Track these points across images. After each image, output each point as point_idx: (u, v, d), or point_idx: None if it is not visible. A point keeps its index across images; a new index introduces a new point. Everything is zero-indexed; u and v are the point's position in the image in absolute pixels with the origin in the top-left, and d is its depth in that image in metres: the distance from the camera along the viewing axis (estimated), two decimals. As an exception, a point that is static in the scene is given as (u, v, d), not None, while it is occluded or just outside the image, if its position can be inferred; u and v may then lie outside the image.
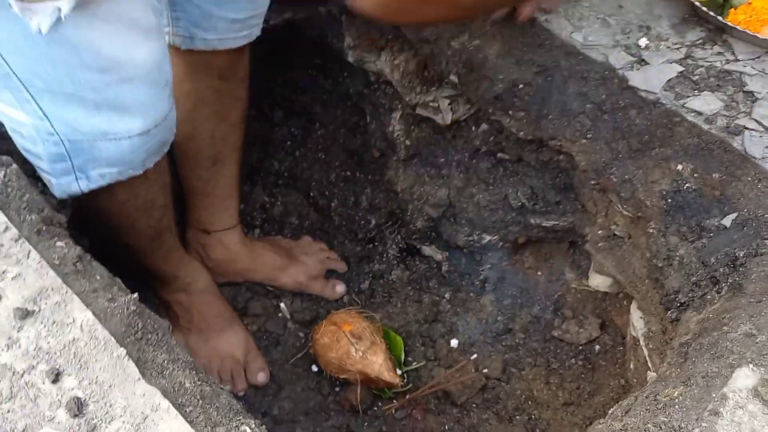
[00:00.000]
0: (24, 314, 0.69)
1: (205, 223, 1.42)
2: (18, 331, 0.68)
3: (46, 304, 0.70)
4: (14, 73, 0.81)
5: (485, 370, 1.37)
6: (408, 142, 1.41)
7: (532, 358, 1.37)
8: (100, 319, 0.70)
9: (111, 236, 1.15)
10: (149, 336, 0.73)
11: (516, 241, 1.39)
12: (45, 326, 0.69)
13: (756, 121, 0.96)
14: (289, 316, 1.50)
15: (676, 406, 0.73)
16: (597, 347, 1.32)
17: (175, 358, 0.73)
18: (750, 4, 1.09)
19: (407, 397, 1.36)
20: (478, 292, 1.47)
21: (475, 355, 1.37)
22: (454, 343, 1.44)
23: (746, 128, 0.95)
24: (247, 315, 1.48)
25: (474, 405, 1.36)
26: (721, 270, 0.93)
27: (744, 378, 0.72)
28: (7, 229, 0.75)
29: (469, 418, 1.34)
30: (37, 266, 0.73)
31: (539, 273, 1.41)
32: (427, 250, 1.52)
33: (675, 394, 0.75)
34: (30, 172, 0.95)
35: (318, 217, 1.63)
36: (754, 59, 1.03)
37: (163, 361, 0.71)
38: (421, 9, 0.80)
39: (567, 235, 1.31)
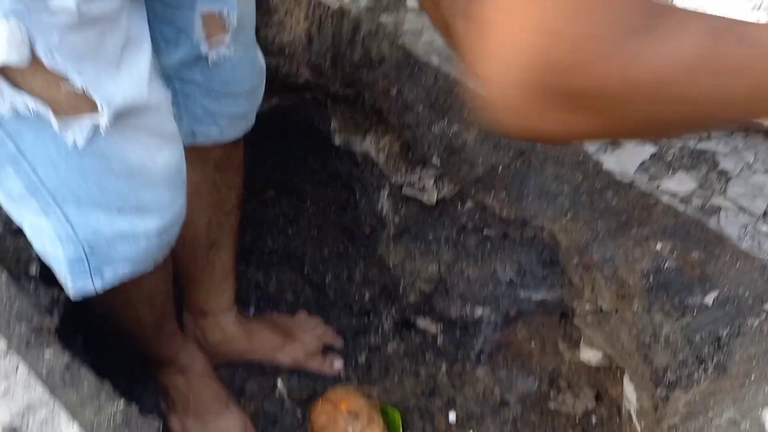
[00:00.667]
0: None
1: (202, 306, 1.44)
2: (5, 450, 0.69)
3: (33, 420, 0.71)
4: (44, 184, 0.84)
5: (482, 444, 1.37)
6: (397, 220, 1.44)
7: (530, 431, 1.36)
8: (87, 432, 0.71)
9: (111, 326, 1.17)
10: (137, 446, 0.74)
11: (508, 313, 1.40)
12: (32, 443, 0.70)
13: (731, 200, 0.98)
14: (286, 395, 1.50)
15: (662, 499, 0.73)
16: (594, 419, 1.32)
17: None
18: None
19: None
20: (474, 364, 1.48)
21: (471, 431, 1.37)
22: (452, 417, 1.44)
23: (721, 208, 0.97)
24: (244, 395, 1.48)
25: (474, 481, 1.35)
26: (705, 349, 0.93)
27: (728, 469, 0.72)
28: (-4, 342, 0.77)
29: (470, 495, 1.33)
30: (26, 380, 0.74)
31: (533, 344, 1.41)
32: (422, 322, 1.53)
33: (661, 486, 0.75)
34: (19, 272, 0.97)
35: (313, 293, 1.64)
36: (726, 137, 1.06)
37: (150, 472, 0.71)
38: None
39: (557, 307, 1.32)
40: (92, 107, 0.77)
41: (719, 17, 0.45)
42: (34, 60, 0.72)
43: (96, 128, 0.78)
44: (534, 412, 1.37)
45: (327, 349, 1.56)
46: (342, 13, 1.25)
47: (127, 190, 0.87)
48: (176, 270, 1.40)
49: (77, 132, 0.78)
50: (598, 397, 1.33)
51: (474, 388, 1.45)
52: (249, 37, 1.09)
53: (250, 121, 1.21)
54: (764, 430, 0.74)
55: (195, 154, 1.20)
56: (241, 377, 1.50)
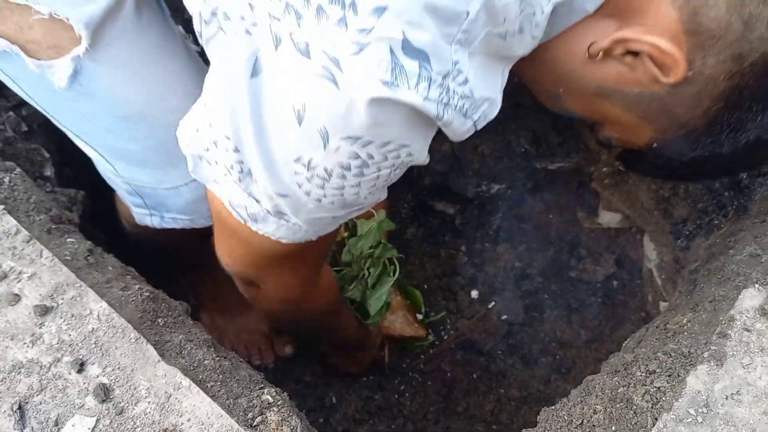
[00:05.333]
0: (44, 311, 0.72)
1: None
2: (40, 327, 0.71)
3: (63, 299, 0.73)
4: (63, 125, 0.83)
5: (507, 317, 1.39)
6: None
7: (552, 301, 1.38)
8: (116, 308, 0.72)
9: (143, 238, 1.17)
10: (165, 319, 0.76)
11: (525, 187, 1.39)
12: (64, 320, 0.72)
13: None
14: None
15: (685, 333, 0.74)
16: (615, 283, 1.33)
17: (193, 338, 0.75)
18: None
19: (431, 351, 1.39)
20: (494, 242, 1.48)
21: (493, 303, 1.39)
22: (474, 293, 1.46)
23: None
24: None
25: (499, 352, 1.38)
26: (726, 194, 0.92)
27: (750, 298, 0.72)
28: (18, 231, 0.77)
29: (496, 365, 1.37)
30: (51, 264, 0.75)
31: (551, 216, 1.41)
32: (439, 205, 1.53)
33: (684, 321, 0.76)
34: (34, 175, 0.97)
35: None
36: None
37: (181, 341, 0.73)
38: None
39: (574, 175, 1.31)
40: (72, 41, 0.74)
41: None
42: None
43: (78, 60, 0.75)
44: (555, 282, 1.39)
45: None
46: None
47: (140, 135, 0.82)
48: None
49: (61, 71, 0.75)
50: (618, 263, 1.33)
51: (494, 264, 1.46)
52: None
53: None
54: (787, 260, 0.74)
55: None
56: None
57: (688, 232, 0.97)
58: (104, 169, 0.90)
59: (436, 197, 1.52)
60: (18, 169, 0.86)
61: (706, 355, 0.69)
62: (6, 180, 0.84)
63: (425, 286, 1.48)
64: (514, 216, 1.44)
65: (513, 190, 1.40)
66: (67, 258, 0.78)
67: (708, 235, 0.92)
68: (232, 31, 0.56)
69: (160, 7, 0.84)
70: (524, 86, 1.16)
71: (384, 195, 0.67)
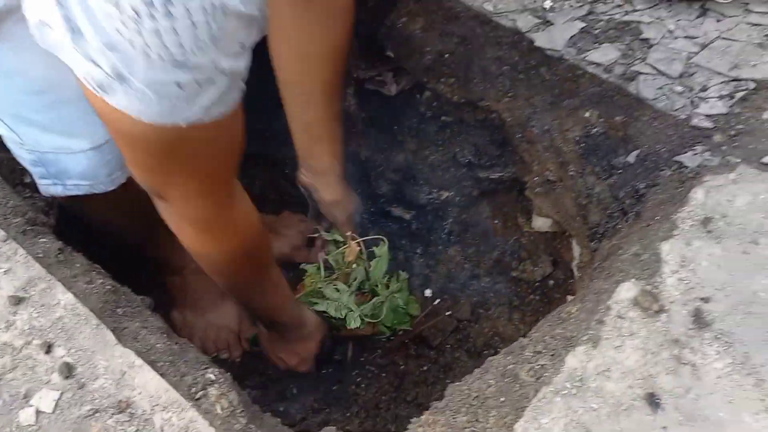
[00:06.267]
0: (17, 301, 0.83)
1: None
2: (13, 315, 0.83)
3: (35, 290, 0.84)
4: None
5: (455, 314, 1.51)
6: (363, 115, 1.53)
7: (496, 299, 1.50)
8: (80, 299, 0.84)
9: (106, 235, 1.27)
10: (125, 309, 0.87)
11: (471, 194, 1.51)
12: (35, 309, 0.83)
13: (650, 65, 1.06)
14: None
15: (572, 320, 0.86)
16: (551, 282, 1.45)
17: (148, 325, 0.87)
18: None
19: (387, 346, 1.50)
20: (446, 245, 1.60)
21: (438, 300, 1.51)
22: (428, 292, 1.58)
23: (640, 73, 1.05)
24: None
25: (448, 346, 1.50)
26: (627, 202, 1.04)
27: (626, 291, 0.84)
28: (-4, 232, 0.89)
29: (444, 357, 1.48)
30: (25, 260, 0.87)
31: (496, 221, 1.53)
32: (396, 211, 1.65)
33: (573, 310, 0.88)
34: (14, 182, 1.08)
35: (295, 191, 1.76)
36: (650, 7, 1.13)
37: (137, 328, 0.85)
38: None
39: (513, 184, 1.43)
40: None
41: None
42: None
43: None
44: (500, 282, 1.51)
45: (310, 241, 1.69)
46: None
47: (42, 107, 0.91)
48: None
49: None
50: (554, 263, 1.45)
51: (447, 266, 1.58)
52: None
53: None
54: (660, 258, 0.85)
55: None
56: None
57: (599, 235, 1.09)
58: (10, 140, 0.98)
59: (393, 203, 1.64)
60: (-2, 177, 0.98)
61: (585, 338, 0.81)
62: (-14, 187, 0.96)
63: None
64: (462, 221, 1.55)
65: (460, 198, 1.51)
66: (40, 255, 0.89)
67: (611, 237, 1.04)
68: None
69: None
70: (469, 103, 1.27)
71: (239, 64, 0.67)
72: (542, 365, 0.80)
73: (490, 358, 0.86)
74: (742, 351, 0.78)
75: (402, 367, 1.50)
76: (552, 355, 0.80)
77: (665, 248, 0.87)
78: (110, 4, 0.57)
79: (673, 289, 0.83)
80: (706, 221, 0.89)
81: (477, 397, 0.80)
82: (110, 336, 0.81)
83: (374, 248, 1.40)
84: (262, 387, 1.49)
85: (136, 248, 1.40)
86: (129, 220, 1.22)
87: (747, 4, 1.11)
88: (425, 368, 1.48)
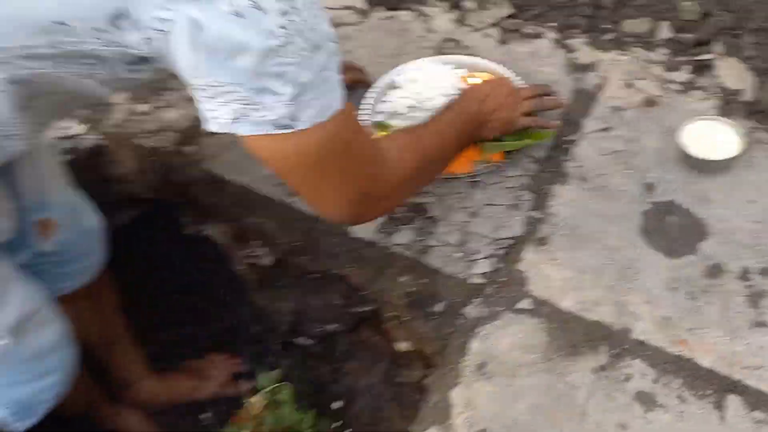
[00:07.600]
0: None
1: (125, 378, 1.88)
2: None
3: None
4: None
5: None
6: (255, 276, 1.89)
7: (387, 404, 1.86)
8: None
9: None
10: None
11: (351, 323, 1.87)
12: None
13: (437, 239, 1.43)
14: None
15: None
16: (427, 380, 1.81)
17: None
18: None
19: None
20: (342, 362, 1.96)
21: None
22: (335, 405, 1.93)
23: (433, 246, 1.43)
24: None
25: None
26: (442, 343, 1.41)
27: None
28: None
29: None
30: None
31: (376, 339, 1.89)
32: (299, 340, 2.01)
33: None
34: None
35: (215, 334, 2.10)
36: (434, 188, 1.50)
37: None
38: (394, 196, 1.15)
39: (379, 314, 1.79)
40: None
41: (417, 128, 1.26)
42: None
43: None
44: (388, 387, 1.87)
45: (237, 376, 2.03)
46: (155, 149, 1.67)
47: (30, 368, 1.25)
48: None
49: None
50: (427, 366, 1.82)
51: (346, 378, 1.94)
52: (79, 213, 1.41)
53: (102, 260, 1.55)
54: (449, 404, 1.21)
55: (65, 300, 1.44)
56: (175, 419, 1.96)
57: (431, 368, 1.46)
58: None
59: (295, 335, 1.99)
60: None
61: None
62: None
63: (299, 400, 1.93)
64: (351, 343, 1.91)
65: (344, 327, 1.88)
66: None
67: (433, 380, 1.40)
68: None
69: None
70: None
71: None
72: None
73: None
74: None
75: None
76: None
77: (453, 394, 1.23)
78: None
79: (461, 428, 1.19)
80: (482, 365, 1.25)
81: None
82: None
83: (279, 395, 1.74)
84: None
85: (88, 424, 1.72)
86: (77, 401, 1.54)
87: (504, 171, 1.50)
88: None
